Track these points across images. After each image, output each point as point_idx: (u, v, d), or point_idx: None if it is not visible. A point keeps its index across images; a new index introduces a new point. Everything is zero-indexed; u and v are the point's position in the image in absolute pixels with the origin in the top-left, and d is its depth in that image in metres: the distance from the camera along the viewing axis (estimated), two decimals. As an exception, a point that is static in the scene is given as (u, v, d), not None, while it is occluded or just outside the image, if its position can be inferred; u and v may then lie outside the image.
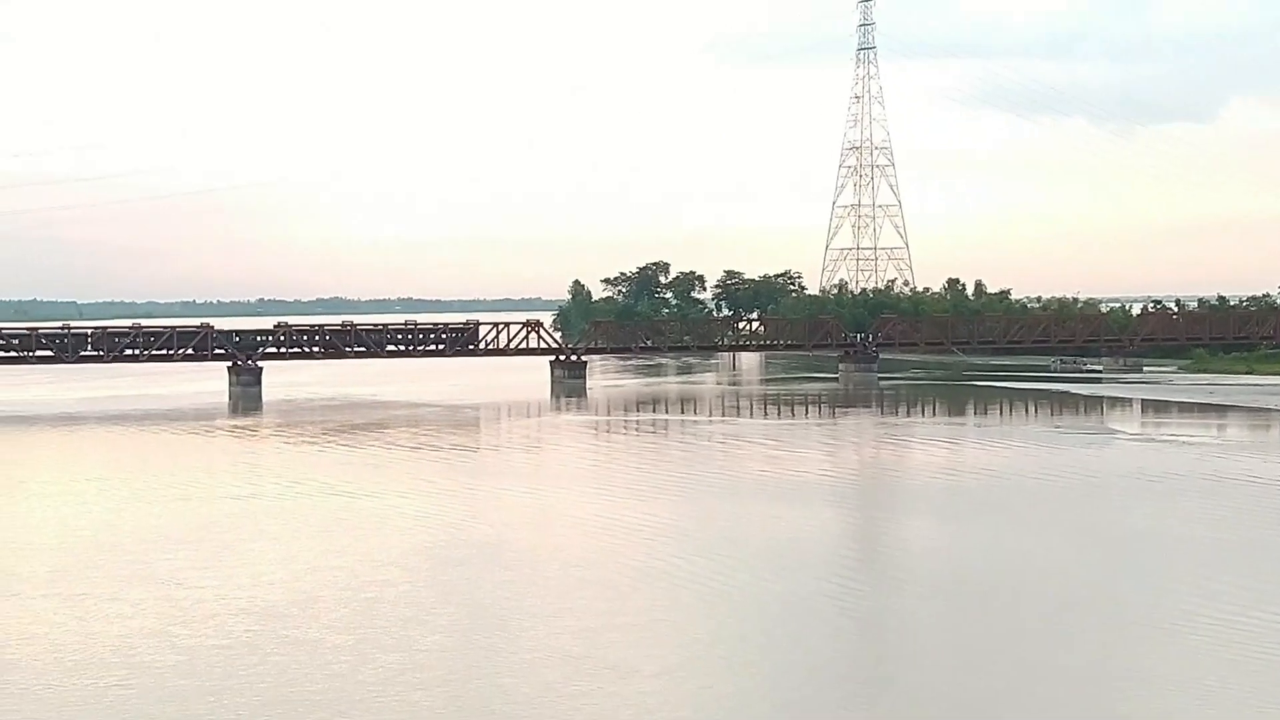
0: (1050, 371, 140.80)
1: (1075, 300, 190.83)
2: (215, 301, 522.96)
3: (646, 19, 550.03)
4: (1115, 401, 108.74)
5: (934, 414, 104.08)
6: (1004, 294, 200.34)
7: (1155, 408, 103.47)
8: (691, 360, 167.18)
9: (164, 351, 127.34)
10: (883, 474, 71.09)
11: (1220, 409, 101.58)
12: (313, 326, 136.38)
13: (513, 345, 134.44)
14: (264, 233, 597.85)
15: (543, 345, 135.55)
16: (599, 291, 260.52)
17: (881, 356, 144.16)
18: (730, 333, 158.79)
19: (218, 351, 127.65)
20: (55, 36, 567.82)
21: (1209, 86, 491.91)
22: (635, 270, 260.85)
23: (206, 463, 75.34)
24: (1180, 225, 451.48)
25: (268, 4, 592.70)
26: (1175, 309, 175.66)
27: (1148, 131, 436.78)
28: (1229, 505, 56.68)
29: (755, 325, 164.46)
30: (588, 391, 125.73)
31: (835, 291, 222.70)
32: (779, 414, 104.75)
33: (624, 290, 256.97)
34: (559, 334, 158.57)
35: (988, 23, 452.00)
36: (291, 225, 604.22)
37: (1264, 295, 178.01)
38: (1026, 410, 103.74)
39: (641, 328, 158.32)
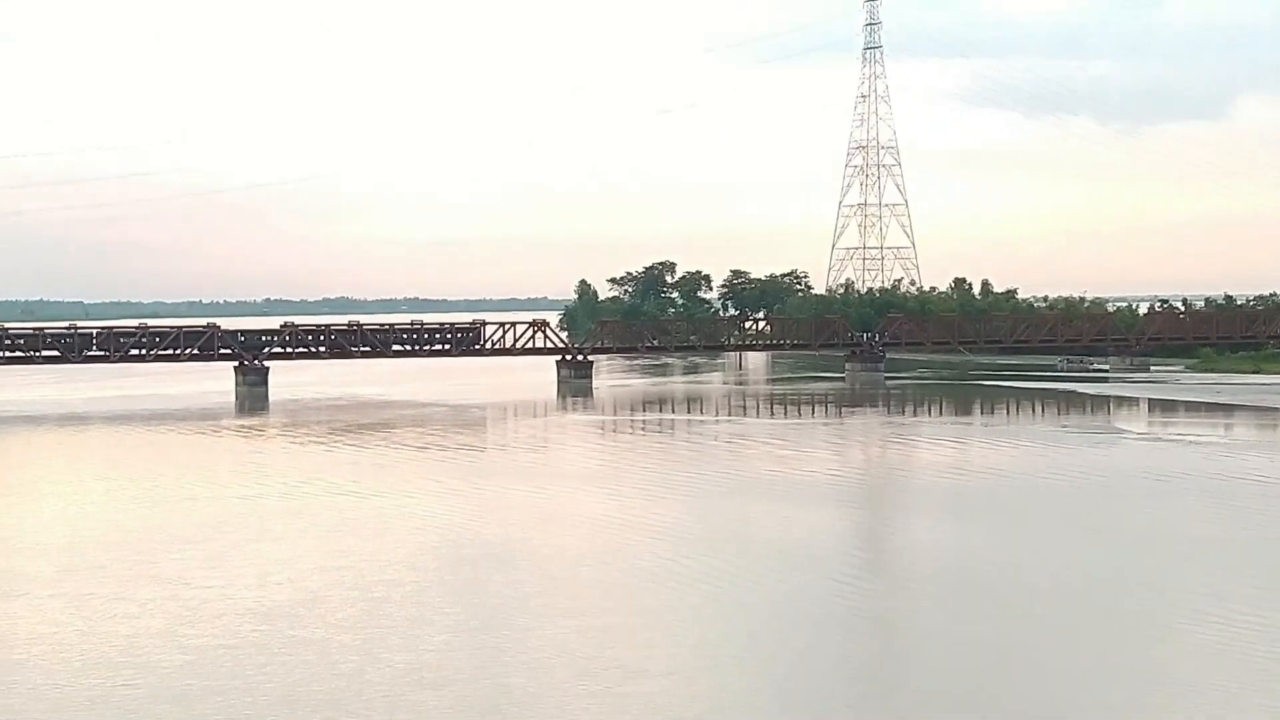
0: (1057, 371, 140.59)
1: (1082, 300, 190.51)
2: (222, 301, 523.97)
3: (650, 19, 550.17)
4: (1122, 401, 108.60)
5: (941, 414, 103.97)
6: (1010, 293, 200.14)
7: (1162, 407, 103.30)
8: (698, 360, 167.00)
9: (170, 351, 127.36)
10: (891, 474, 71.00)
11: (1227, 408, 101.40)
12: (318, 326, 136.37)
13: (519, 345, 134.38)
14: (271, 233, 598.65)
15: (549, 345, 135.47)
16: (605, 291, 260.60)
17: (888, 356, 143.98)
18: (736, 332, 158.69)
19: (224, 351, 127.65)
20: (56, 36, 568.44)
21: (1217, 84, 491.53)
22: (641, 270, 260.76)
23: (213, 462, 75.35)
24: (1187, 224, 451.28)
25: (268, 4, 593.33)
26: (1182, 308, 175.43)
27: (1155, 130, 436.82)
28: (1236, 504, 56.57)
29: (761, 325, 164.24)
30: (594, 391, 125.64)
31: (842, 291, 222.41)
32: (786, 414, 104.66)
33: (630, 290, 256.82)
34: (565, 334, 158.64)
35: (994, 21, 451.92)
36: (299, 225, 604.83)
37: (1271, 294, 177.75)
38: (1033, 410, 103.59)
39: (648, 327, 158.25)
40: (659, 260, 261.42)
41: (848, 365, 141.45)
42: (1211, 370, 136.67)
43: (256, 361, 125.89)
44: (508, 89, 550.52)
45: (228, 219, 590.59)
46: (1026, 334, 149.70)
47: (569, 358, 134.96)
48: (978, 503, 58.20)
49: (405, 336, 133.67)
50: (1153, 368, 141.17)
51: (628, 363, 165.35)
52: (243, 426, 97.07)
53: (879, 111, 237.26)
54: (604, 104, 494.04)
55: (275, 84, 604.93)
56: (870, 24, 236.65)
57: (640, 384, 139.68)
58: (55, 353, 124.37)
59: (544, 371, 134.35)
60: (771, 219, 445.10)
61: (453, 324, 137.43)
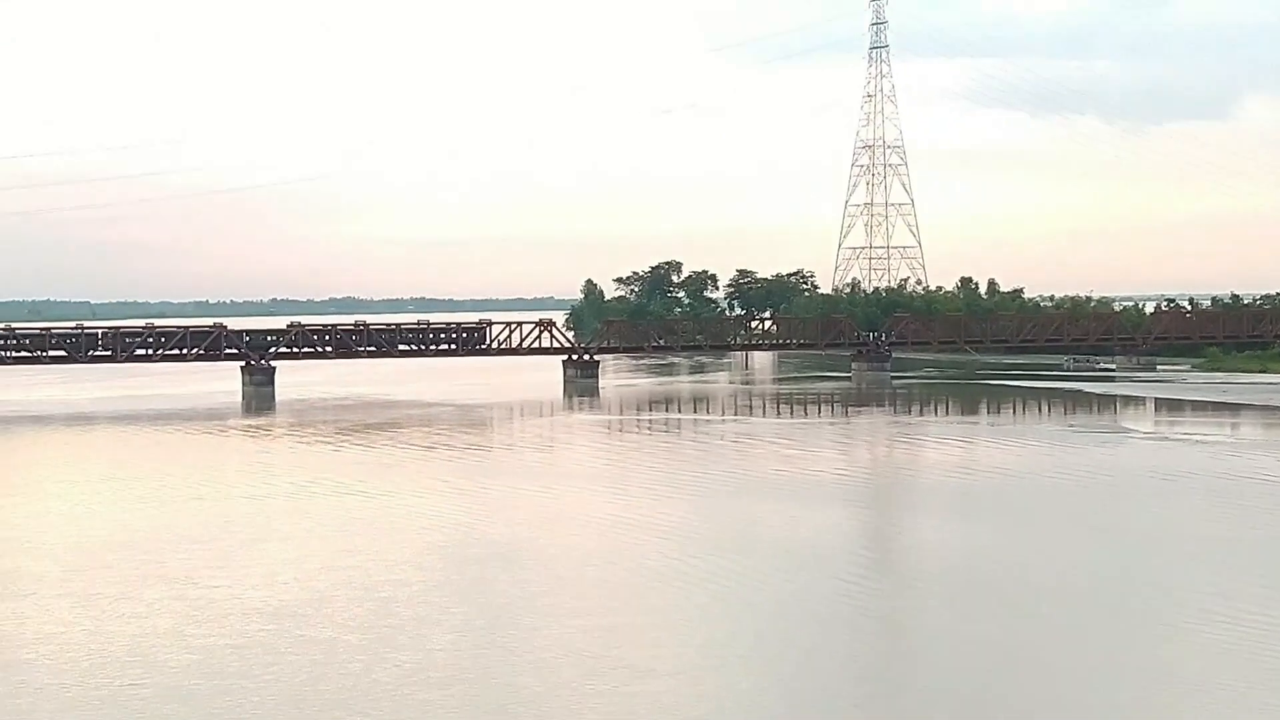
0: (1063, 370, 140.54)
1: (1088, 299, 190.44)
2: (228, 301, 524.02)
3: (652, 19, 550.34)
4: (1129, 400, 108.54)
5: (947, 413, 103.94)
6: (1017, 293, 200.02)
7: (1169, 406, 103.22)
8: (704, 360, 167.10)
9: (177, 351, 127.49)
10: (897, 473, 70.97)
11: (1234, 408, 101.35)
12: (325, 326, 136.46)
13: (525, 345, 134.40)
14: (277, 233, 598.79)
15: (555, 345, 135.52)
16: (611, 291, 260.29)
17: (894, 355, 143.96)
18: (743, 332, 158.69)
19: (230, 351, 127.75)
20: (58, 36, 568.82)
21: (1223, 84, 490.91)
22: (648, 270, 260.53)
23: (220, 462, 75.42)
24: (1194, 223, 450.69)
25: (268, 4, 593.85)
26: (1189, 307, 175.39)
27: (1161, 129, 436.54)
28: (1244, 503, 56.51)
29: (768, 324, 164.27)
30: (600, 391, 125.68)
31: (848, 290, 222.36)
32: (792, 413, 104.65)
33: (636, 290, 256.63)
34: (572, 333, 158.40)
35: (999, 21, 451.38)
36: (305, 226, 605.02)
37: (1278, 293, 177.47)
38: (1040, 409, 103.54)
39: (654, 327, 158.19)
40: (665, 260, 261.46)
41: (854, 365, 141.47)
42: (1218, 369, 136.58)
43: (263, 361, 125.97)
44: (510, 88, 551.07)
45: (234, 219, 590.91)
46: (1033, 333, 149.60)
47: (575, 357, 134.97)
48: (984, 502, 58.19)
49: (411, 336, 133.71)
50: (1159, 367, 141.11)
51: (634, 362, 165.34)
52: (249, 426, 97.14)
53: (885, 111, 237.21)
54: (607, 104, 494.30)
55: (279, 84, 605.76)
56: (876, 23, 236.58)
57: (646, 383, 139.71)
58: (61, 353, 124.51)
59: (550, 371, 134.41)
60: (778, 219, 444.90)
61: (459, 324, 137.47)
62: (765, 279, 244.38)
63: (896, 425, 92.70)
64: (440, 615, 38.13)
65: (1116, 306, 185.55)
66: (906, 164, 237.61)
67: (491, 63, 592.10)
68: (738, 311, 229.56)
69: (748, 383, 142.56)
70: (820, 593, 40.81)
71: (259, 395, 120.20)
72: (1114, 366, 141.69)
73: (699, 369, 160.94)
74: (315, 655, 33.94)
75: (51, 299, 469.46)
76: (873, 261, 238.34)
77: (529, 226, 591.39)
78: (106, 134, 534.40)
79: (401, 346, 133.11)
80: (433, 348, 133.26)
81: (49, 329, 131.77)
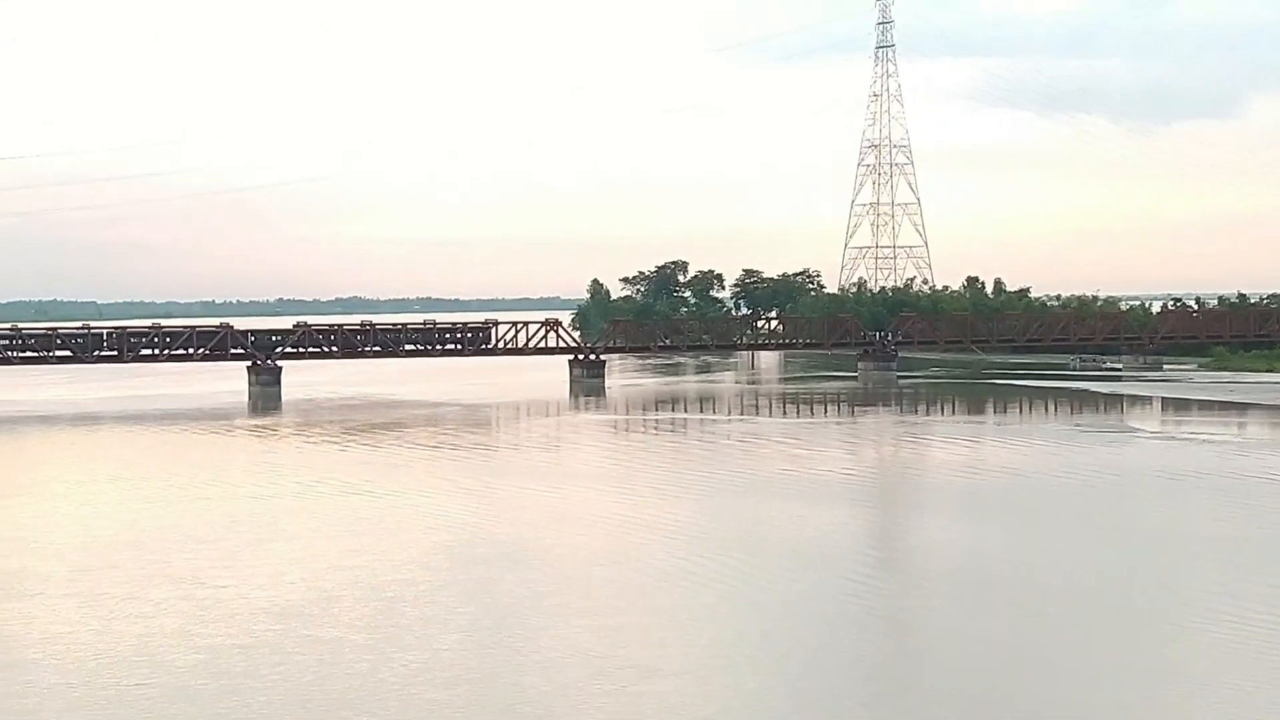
0: (1070, 370, 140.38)
1: (1095, 298, 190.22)
2: (235, 301, 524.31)
3: (657, 18, 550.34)
4: (1135, 400, 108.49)
5: (954, 413, 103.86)
6: (1023, 292, 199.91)
7: (1175, 406, 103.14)
8: (710, 359, 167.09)
9: (183, 351, 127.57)
10: (904, 473, 70.94)
11: (1241, 407, 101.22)
12: (331, 326, 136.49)
13: (531, 344, 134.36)
14: (283, 233, 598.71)
15: (561, 344, 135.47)
16: (617, 290, 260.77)
17: (901, 355, 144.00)
18: (749, 331, 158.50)
19: (237, 351, 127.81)
20: (60, 36, 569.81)
21: (1229, 83, 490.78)
22: (654, 269, 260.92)
23: (226, 462, 75.46)
24: (1200, 223, 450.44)
25: (270, 4, 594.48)
26: (1195, 307, 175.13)
27: (1168, 129, 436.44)
28: (1251, 503, 56.47)
29: (774, 324, 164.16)
30: (606, 391, 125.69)
31: (854, 290, 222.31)
32: (798, 413, 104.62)
33: (642, 289, 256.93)
34: (578, 333, 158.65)
35: (1006, 20, 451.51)
36: (311, 225, 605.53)
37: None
38: (1047, 409, 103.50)
39: (660, 327, 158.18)
40: (671, 259, 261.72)
41: (860, 364, 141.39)
42: (1225, 369, 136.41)
43: (269, 361, 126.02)
44: (512, 88, 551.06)
45: (240, 219, 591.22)
46: (1039, 333, 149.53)
47: (581, 357, 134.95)
48: (991, 502, 58.15)
49: (416, 336, 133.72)
50: (1166, 367, 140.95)
51: (640, 362, 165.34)
52: (256, 426, 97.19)
53: (891, 110, 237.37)
54: (610, 103, 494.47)
55: (283, 84, 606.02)
56: (882, 23, 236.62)
57: (653, 383, 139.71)
58: (67, 353, 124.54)
59: (556, 371, 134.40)
60: (784, 218, 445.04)
61: (464, 323, 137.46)
62: (771, 279, 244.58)
63: (903, 425, 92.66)
64: (447, 615, 38.13)
65: (1123, 306, 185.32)
66: (913, 163, 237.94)
67: (493, 62, 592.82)
68: (744, 311, 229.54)
69: (754, 382, 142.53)
70: (827, 592, 40.80)
71: (265, 395, 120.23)
72: (1120, 366, 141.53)
73: (705, 369, 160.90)
74: (322, 655, 33.95)
75: (58, 299, 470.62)
76: (879, 261, 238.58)
77: (534, 226, 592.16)
78: (111, 134, 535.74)
79: (407, 346, 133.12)
80: (438, 347, 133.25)
81: (55, 329, 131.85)
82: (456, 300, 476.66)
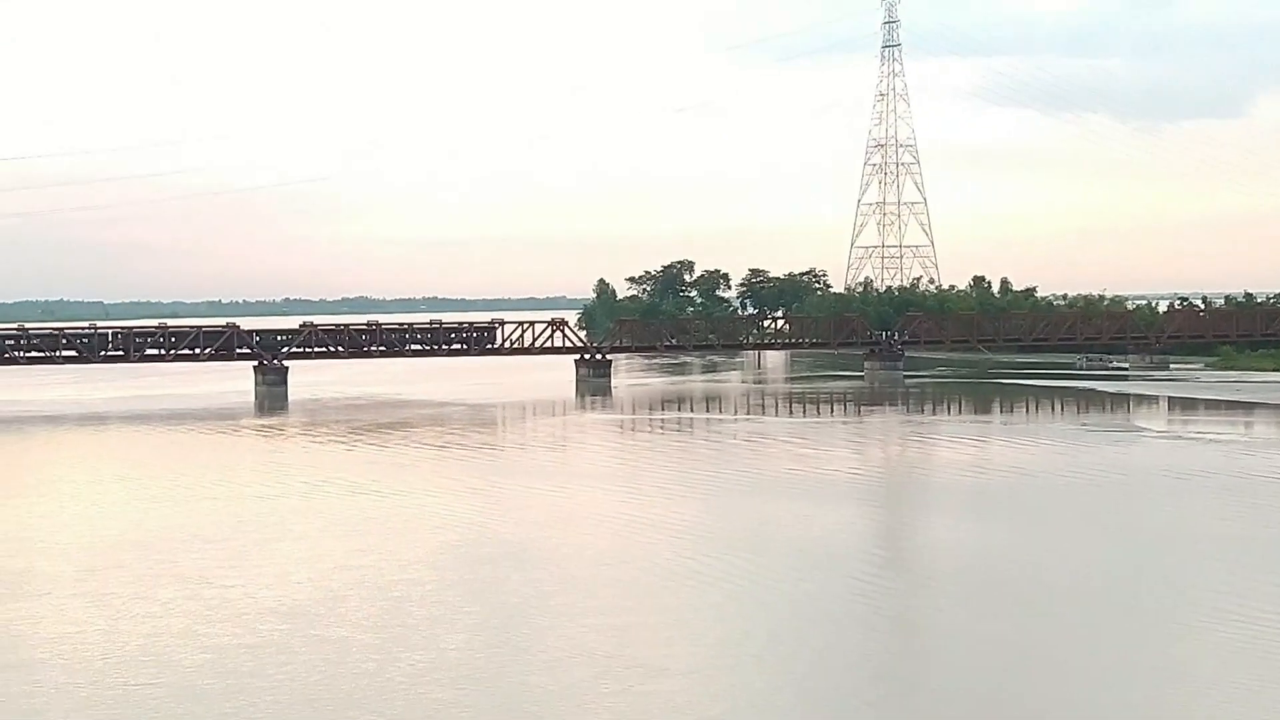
0: (1076, 369, 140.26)
1: (1101, 297, 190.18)
2: (241, 301, 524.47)
3: (664, 18, 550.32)
4: (1142, 399, 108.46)
5: (960, 412, 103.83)
6: (1030, 291, 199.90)
7: (1182, 405, 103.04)
8: (716, 359, 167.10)
9: (189, 351, 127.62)
10: (911, 472, 70.91)
11: (1247, 406, 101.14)
12: (337, 326, 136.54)
13: (538, 344, 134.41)
14: (290, 233, 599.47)
15: (568, 344, 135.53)
16: (624, 290, 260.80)
17: (907, 354, 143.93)
18: (755, 331, 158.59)
19: (243, 351, 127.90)
20: (64, 36, 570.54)
21: (1236, 82, 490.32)
22: (660, 269, 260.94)
23: (233, 462, 75.48)
24: (1206, 222, 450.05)
25: (274, 4, 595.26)
26: (1202, 306, 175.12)
27: (1174, 127, 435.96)
28: (1258, 502, 56.46)
29: (780, 323, 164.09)
30: (613, 390, 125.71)
31: (860, 289, 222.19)
32: (805, 412, 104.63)
33: (649, 289, 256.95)
34: (584, 333, 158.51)
35: (1011, 19, 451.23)
36: (317, 226, 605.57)
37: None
38: (1053, 408, 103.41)
39: (666, 326, 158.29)
40: (676, 259, 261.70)
41: (867, 364, 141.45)
42: (1231, 368, 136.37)
43: (275, 361, 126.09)
44: (517, 88, 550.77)
45: (246, 219, 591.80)
46: (1046, 332, 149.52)
47: (587, 357, 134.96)
48: (998, 501, 58.12)
49: (423, 336, 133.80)
50: (1172, 366, 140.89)
51: (646, 362, 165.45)
52: (262, 426, 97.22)
53: (897, 110, 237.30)
54: (616, 103, 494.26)
55: (288, 84, 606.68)
56: (888, 22, 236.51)
57: (659, 383, 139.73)
58: (73, 353, 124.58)
59: (562, 371, 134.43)
60: (790, 218, 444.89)
61: (471, 323, 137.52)
62: (777, 278, 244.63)
63: (909, 424, 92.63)
64: (454, 615, 38.15)
65: (1129, 305, 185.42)
66: (919, 163, 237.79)
67: (495, 62, 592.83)
68: (750, 311, 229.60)
69: (760, 382, 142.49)
70: (834, 592, 40.79)
71: (272, 395, 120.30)
72: (1127, 365, 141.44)
73: (711, 368, 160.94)
74: (329, 654, 33.97)
75: (64, 299, 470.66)
76: (885, 260, 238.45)
77: (540, 226, 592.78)
78: (117, 135, 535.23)
79: (414, 346, 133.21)
80: (444, 347, 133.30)
81: (61, 329, 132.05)
82: (462, 300, 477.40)
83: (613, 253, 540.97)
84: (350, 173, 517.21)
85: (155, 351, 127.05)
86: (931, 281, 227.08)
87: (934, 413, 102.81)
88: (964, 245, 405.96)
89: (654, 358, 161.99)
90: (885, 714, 30.21)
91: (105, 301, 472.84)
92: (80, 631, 36.75)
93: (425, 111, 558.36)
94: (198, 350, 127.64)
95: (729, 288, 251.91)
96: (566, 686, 31.36)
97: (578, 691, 30.99)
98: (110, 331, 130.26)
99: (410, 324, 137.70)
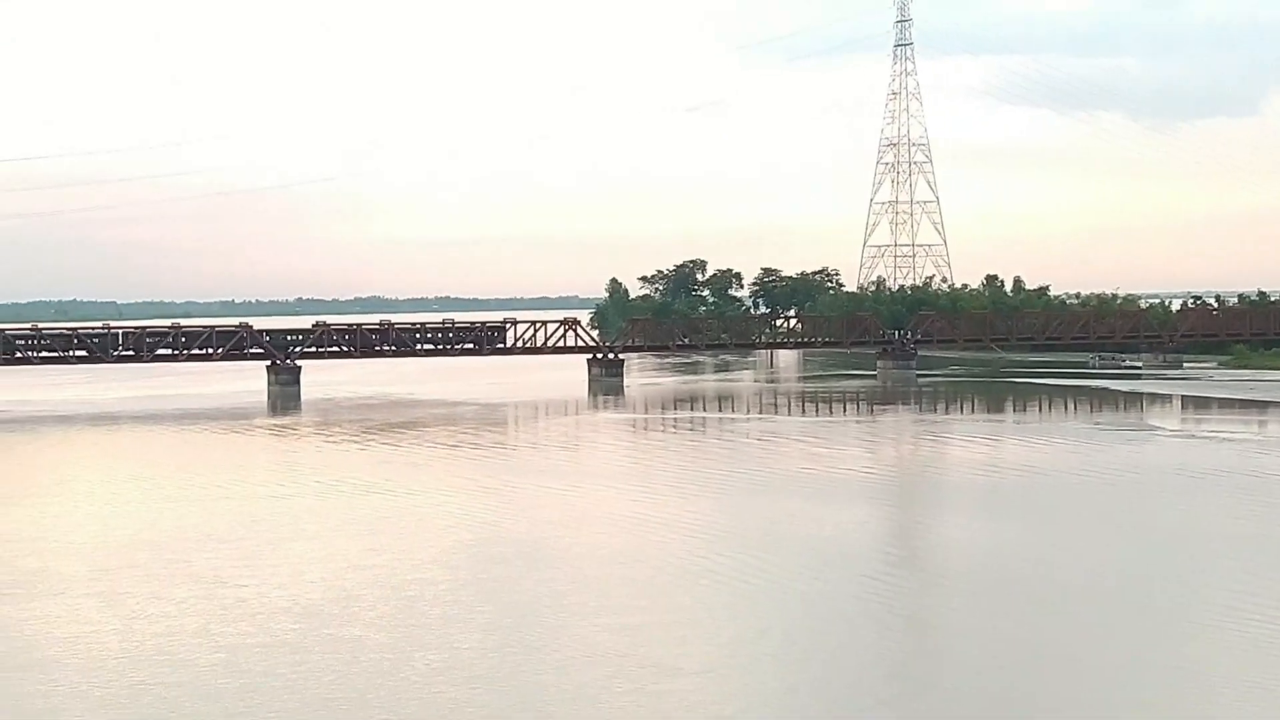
0: (1089, 368, 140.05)
1: (1114, 296, 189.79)
2: (254, 301, 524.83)
3: (676, 17, 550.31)
4: (1155, 398, 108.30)
5: (973, 411, 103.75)
6: (1043, 290, 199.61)
7: (1195, 404, 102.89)
8: (729, 358, 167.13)
9: (202, 351, 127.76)
10: (924, 471, 70.84)
11: (1261, 405, 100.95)
12: (349, 326, 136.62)
13: (550, 344, 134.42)
14: (303, 233, 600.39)
15: (580, 343, 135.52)
16: (636, 289, 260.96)
17: (920, 354, 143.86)
18: (768, 330, 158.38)
19: (256, 351, 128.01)
20: (81, 36, 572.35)
21: (1249, 80, 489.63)
22: (672, 268, 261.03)
23: (247, 461, 75.60)
24: (1220, 220, 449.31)
25: (278, 3, 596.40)
26: (1215, 305, 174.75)
27: (1187, 126, 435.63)
28: (1271, 501, 56.34)
29: (793, 323, 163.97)
30: (625, 389, 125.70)
31: (873, 288, 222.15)
32: (817, 411, 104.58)
33: (661, 288, 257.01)
34: (596, 332, 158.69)
35: (1024, 18, 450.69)
36: (330, 225, 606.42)
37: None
38: (1066, 407, 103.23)
39: (679, 325, 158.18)
40: (689, 258, 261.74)
41: (879, 363, 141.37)
42: (1245, 367, 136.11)
43: (288, 361, 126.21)
44: (526, 87, 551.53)
45: (260, 219, 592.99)
46: (1059, 331, 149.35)
47: (600, 356, 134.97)
48: (1011, 500, 58.06)
49: (435, 335, 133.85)
50: (1186, 365, 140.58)
51: (659, 361, 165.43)
52: (275, 426, 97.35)
53: (910, 109, 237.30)
54: (630, 102, 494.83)
55: (288, 85, 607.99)
56: (901, 21, 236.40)
57: (671, 382, 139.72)
58: (84, 353, 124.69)
59: (575, 370, 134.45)
60: (802, 217, 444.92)
61: (483, 323, 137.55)
62: (790, 277, 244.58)
63: (922, 423, 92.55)
64: (467, 614, 38.16)
65: (1143, 304, 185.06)
66: (931, 161, 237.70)
67: (507, 61, 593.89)
68: (762, 310, 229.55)
69: (773, 381, 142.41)
70: (848, 590, 40.76)
71: (284, 395, 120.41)
72: (1140, 364, 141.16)
73: (724, 367, 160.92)
74: (342, 654, 33.99)
75: (77, 299, 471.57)
76: (898, 259, 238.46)
77: (553, 226, 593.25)
78: (130, 135, 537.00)
79: (426, 346, 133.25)
80: (457, 347, 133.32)
81: (74, 329, 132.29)
82: (475, 300, 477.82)
83: (624, 252, 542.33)
84: (364, 173, 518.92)
85: (167, 351, 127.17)
86: (944, 280, 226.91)
87: (947, 412, 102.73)
88: (977, 244, 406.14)
89: (666, 357, 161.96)
90: (899, 713, 30.17)
91: (118, 301, 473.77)
92: (95, 631, 36.81)
93: (440, 111, 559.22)
94: (210, 350, 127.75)
95: (741, 287, 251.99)
96: (580, 686, 31.37)
97: (591, 691, 30.99)
98: (122, 331, 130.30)
99: (422, 323, 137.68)
